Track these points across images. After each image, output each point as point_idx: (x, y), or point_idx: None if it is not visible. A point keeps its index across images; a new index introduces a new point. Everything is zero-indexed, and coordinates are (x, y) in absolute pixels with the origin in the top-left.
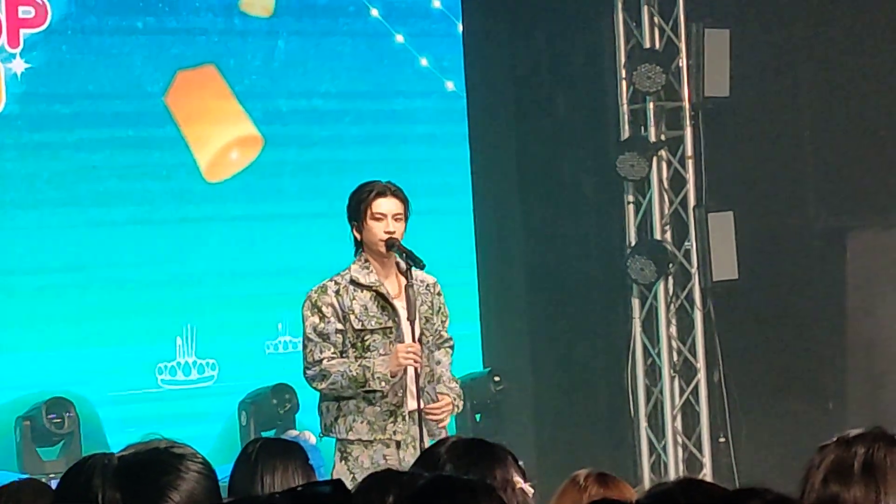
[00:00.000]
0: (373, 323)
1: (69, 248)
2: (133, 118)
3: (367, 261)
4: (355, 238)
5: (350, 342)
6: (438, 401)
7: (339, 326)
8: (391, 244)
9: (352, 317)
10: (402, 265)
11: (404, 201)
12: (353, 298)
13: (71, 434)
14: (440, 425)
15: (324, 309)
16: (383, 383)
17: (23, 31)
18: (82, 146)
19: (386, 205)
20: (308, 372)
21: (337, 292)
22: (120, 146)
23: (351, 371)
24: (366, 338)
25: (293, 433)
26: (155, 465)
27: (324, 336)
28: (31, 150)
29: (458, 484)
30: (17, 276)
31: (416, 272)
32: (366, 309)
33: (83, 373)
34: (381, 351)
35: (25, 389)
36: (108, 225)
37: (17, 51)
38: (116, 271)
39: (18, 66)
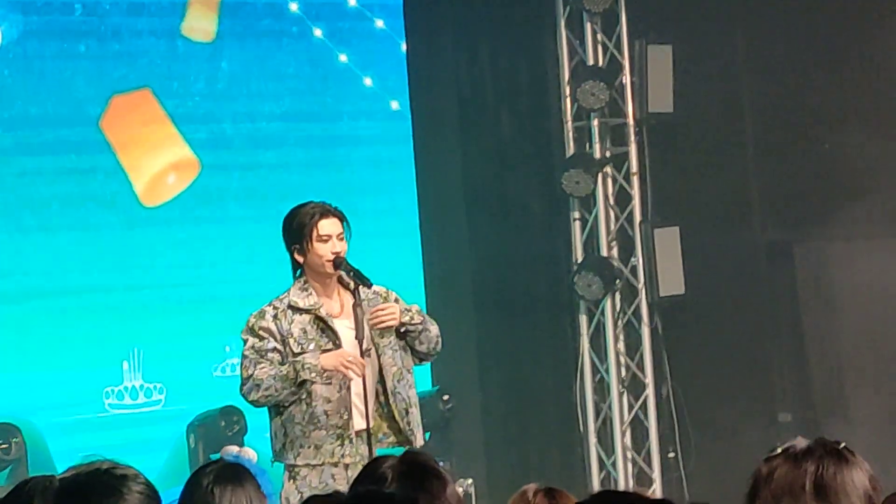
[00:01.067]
0: (311, 346)
1: (12, 274)
2: (74, 144)
3: (306, 282)
4: (295, 261)
5: (294, 364)
6: (410, 401)
7: (278, 347)
8: (339, 263)
9: (290, 340)
10: (351, 284)
11: (344, 219)
12: (292, 322)
13: (18, 460)
14: (381, 324)
15: (261, 333)
16: (313, 374)
17: None
18: (24, 172)
19: (329, 226)
20: (243, 388)
21: (275, 316)
22: (62, 172)
23: (282, 371)
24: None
25: (234, 449)
26: (96, 486)
27: (261, 353)
28: None
29: (381, 498)
30: None
31: (363, 289)
32: (304, 332)
33: (29, 398)
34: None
35: None
36: (52, 250)
37: None
38: (61, 296)
39: None
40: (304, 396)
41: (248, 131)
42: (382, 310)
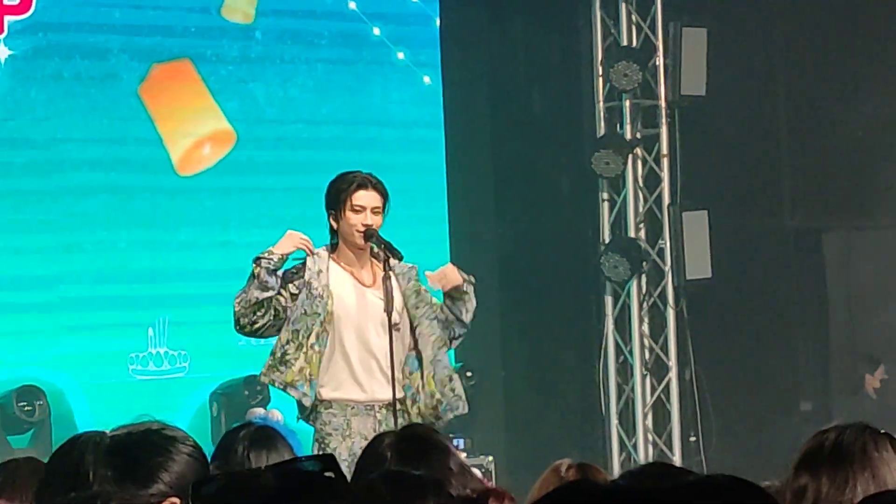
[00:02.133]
0: (337, 308)
1: (43, 238)
2: (108, 109)
3: (340, 250)
4: (331, 226)
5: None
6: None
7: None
8: (369, 234)
9: (312, 278)
10: (381, 255)
11: (384, 195)
12: (328, 268)
13: (41, 422)
14: (448, 284)
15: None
16: (265, 254)
17: (7, 18)
18: (57, 136)
19: (366, 197)
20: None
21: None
22: (95, 138)
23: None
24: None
25: (260, 412)
26: (146, 445)
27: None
28: (7, 139)
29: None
30: None
31: (393, 262)
32: (327, 282)
33: (54, 362)
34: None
35: None
36: (82, 216)
37: (1, 38)
38: (90, 262)
39: (1, 52)
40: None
41: (280, 101)
42: (443, 272)
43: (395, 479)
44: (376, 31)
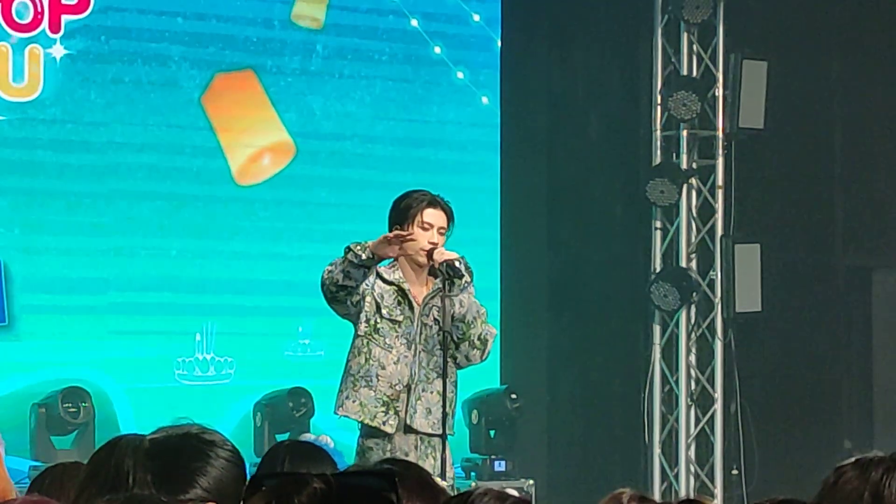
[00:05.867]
0: (383, 312)
1: (95, 241)
2: (166, 116)
3: (396, 264)
4: None
5: (367, 313)
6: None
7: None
8: (433, 253)
9: (367, 293)
10: (443, 275)
11: (450, 216)
12: (374, 283)
13: (85, 424)
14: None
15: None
16: (358, 248)
17: (64, 17)
18: (115, 140)
19: (435, 216)
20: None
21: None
22: (152, 144)
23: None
24: (379, 320)
25: (310, 437)
26: (186, 449)
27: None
28: (64, 140)
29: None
30: (41, 265)
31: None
32: (383, 297)
33: (101, 365)
34: (387, 340)
35: (42, 377)
36: (135, 220)
37: (58, 36)
38: (141, 266)
39: (58, 51)
40: (363, 350)
41: (337, 116)
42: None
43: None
44: (437, 49)
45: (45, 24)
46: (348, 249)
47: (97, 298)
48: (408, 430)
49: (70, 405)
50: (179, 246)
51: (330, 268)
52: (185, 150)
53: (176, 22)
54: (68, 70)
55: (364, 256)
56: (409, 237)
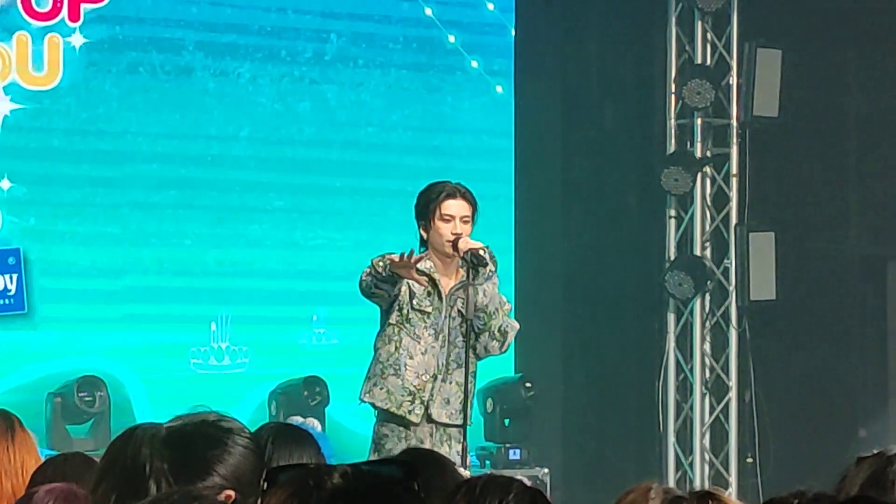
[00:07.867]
0: (413, 303)
1: (110, 228)
2: (181, 104)
3: (428, 253)
4: (422, 237)
5: (400, 302)
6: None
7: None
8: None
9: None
10: (467, 265)
11: (473, 204)
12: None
13: (101, 413)
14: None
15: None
16: (381, 263)
17: (83, 6)
18: (130, 129)
19: (455, 206)
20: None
21: None
22: (167, 131)
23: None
24: (410, 310)
25: (298, 419)
26: (203, 437)
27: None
28: (80, 129)
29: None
30: (57, 254)
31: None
32: (415, 287)
33: (116, 352)
34: (416, 331)
35: (58, 367)
36: (151, 207)
37: (77, 25)
38: (156, 254)
39: (77, 40)
40: (394, 338)
41: (351, 105)
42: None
43: None
44: (451, 38)
45: (64, 12)
46: (373, 263)
47: (113, 287)
48: (427, 419)
49: (86, 394)
50: (194, 235)
51: (366, 272)
52: (199, 139)
53: (190, 11)
54: (86, 59)
55: (384, 274)
56: (414, 259)
